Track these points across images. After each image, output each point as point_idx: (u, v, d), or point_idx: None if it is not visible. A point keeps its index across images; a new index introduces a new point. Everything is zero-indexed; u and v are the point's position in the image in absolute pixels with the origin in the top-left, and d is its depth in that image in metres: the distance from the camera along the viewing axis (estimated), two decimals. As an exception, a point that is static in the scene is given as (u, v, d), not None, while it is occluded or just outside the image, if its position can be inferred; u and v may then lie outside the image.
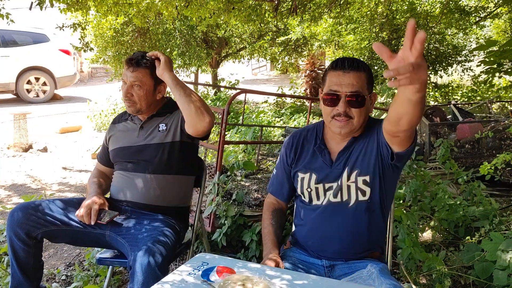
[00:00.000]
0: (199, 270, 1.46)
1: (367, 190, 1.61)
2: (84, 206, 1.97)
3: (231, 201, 2.93)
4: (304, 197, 1.73)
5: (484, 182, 3.55)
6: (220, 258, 1.57)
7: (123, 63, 2.13)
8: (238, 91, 2.97)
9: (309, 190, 1.69)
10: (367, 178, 1.61)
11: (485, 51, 7.20)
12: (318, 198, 1.68)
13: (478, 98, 9.15)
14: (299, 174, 1.72)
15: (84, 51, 6.06)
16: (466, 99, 8.92)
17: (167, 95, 2.27)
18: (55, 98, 11.31)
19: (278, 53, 11.43)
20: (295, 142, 1.76)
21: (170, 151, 2.08)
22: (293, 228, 1.89)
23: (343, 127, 1.57)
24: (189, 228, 2.29)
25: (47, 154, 6.42)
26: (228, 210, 2.70)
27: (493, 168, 2.75)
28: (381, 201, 1.65)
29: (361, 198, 1.62)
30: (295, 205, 1.85)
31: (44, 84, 10.81)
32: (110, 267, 2.28)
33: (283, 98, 10.06)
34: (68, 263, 3.04)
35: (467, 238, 3.17)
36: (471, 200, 3.59)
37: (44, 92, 10.85)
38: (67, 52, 11.05)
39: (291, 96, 5.61)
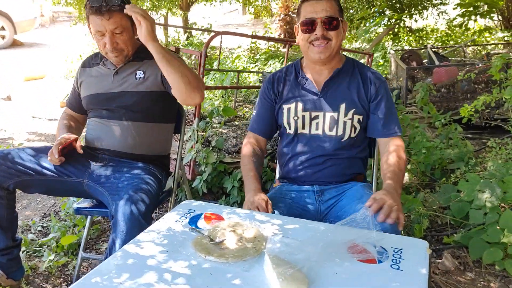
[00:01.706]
0: (186, 218, 1.41)
1: (358, 127, 1.72)
2: (54, 146, 1.86)
3: (211, 148, 2.86)
4: (290, 128, 1.76)
5: (460, 125, 3.59)
6: (207, 205, 1.52)
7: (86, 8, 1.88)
8: (213, 33, 2.81)
9: (295, 118, 1.73)
10: (361, 117, 1.71)
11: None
12: (303, 127, 1.74)
13: (452, 42, 9.15)
14: (283, 107, 1.76)
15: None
16: (440, 44, 8.91)
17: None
18: (15, 44, 10.65)
19: (252, -5, 11.01)
20: (275, 79, 1.82)
21: (149, 100, 1.95)
22: (278, 169, 1.97)
23: (322, 51, 1.64)
24: (170, 175, 2.22)
25: (12, 103, 6.11)
26: (208, 157, 2.64)
27: (473, 110, 2.75)
28: (363, 135, 1.79)
29: (352, 135, 1.72)
30: (279, 145, 1.88)
31: (2, 29, 10.12)
32: (89, 217, 2.21)
33: (257, 43, 9.80)
34: (43, 214, 2.96)
35: (443, 180, 3.25)
36: (446, 143, 3.64)
37: (2, 37, 10.19)
38: (25, -7, 10.30)
39: (270, 39, 5.39)
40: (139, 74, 1.95)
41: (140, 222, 1.63)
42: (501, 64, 2.67)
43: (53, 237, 2.47)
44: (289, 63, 1.92)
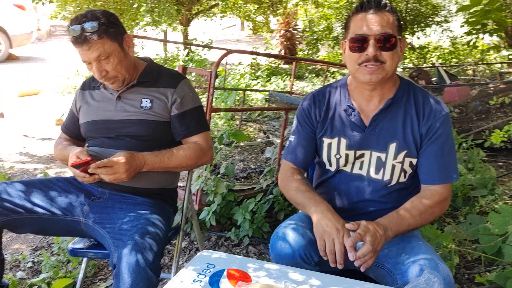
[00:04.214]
0: (205, 276, 1.17)
1: (409, 171, 1.45)
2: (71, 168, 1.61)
3: (219, 175, 2.63)
4: (330, 165, 1.51)
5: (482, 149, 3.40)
6: (228, 258, 1.28)
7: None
8: (225, 51, 2.61)
9: (337, 156, 1.48)
10: (414, 160, 1.43)
11: (468, 12, 6.94)
12: (346, 165, 1.49)
13: (455, 60, 9.04)
14: (324, 140, 1.50)
15: (43, 3, 5.39)
16: (443, 61, 8.79)
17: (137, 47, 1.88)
18: (10, 58, 10.42)
19: (253, 10, 10.85)
20: (317, 102, 1.52)
21: (155, 129, 1.74)
22: None
23: (374, 73, 1.35)
24: (178, 210, 1.99)
25: (4, 121, 5.86)
26: (217, 186, 2.40)
27: (506, 135, 2.55)
28: (417, 180, 1.49)
29: (402, 179, 1.46)
30: (314, 171, 1.65)
31: (-2, 42, 9.91)
32: (85, 258, 1.96)
33: (257, 59, 9.64)
34: (34, 247, 2.69)
35: (466, 208, 3.03)
36: (464, 166, 3.44)
37: (-2, 51, 9.97)
38: (21, 7, 10.11)
39: (283, 57, 5.16)
40: (146, 102, 1.74)
41: (147, 274, 1.39)
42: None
43: (44, 278, 2.21)
44: (302, 84, 1.64)
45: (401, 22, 1.45)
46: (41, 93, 7.48)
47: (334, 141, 1.48)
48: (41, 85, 7.74)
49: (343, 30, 1.48)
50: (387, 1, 1.40)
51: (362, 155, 1.46)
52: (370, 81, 1.37)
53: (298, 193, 1.45)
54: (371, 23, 1.34)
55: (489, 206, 2.93)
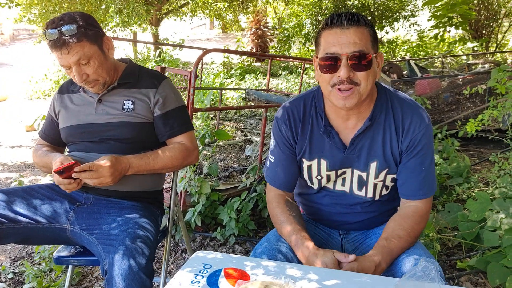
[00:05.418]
0: (202, 276, 1.16)
1: (391, 185, 1.43)
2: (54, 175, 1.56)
3: (202, 175, 2.62)
4: (313, 184, 1.48)
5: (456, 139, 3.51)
6: (224, 257, 1.27)
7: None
8: (201, 51, 2.59)
9: (319, 178, 1.45)
10: (395, 176, 1.40)
11: (434, 5, 7.13)
12: (328, 182, 1.46)
13: (422, 53, 9.26)
14: (304, 161, 1.45)
15: (9, 7, 5.20)
16: (412, 55, 9.00)
17: (118, 50, 1.84)
18: (-27, 64, 10.08)
19: (224, 9, 10.81)
20: (291, 121, 1.43)
21: (139, 131, 1.71)
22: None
23: (348, 98, 1.26)
24: (165, 213, 1.97)
25: (-29, 129, 5.66)
26: (202, 186, 2.39)
27: (480, 124, 2.64)
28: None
29: (384, 193, 1.45)
30: (300, 183, 1.58)
31: (-41, 48, 9.56)
32: (71, 266, 1.92)
33: (229, 58, 9.62)
34: (13, 258, 2.61)
35: (444, 197, 3.12)
36: (440, 156, 3.54)
37: (-41, 57, 9.61)
38: (-17, 11, 9.77)
39: (262, 55, 5.11)
40: (128, 104, 1.71)
41: (141, 279, 1.37)
42: (505, 76, 2.55)
43: (28, 289, 2.15)
44: (306, 90, 1.55)
45: (376, 30, 1.40)
46: (8, 99, 7.25)
47: (314, 163, 1.42)
48: (8, 91, 7.50)
49: (313, 27, 1.43)
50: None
51: (344, 173, 1.42)
52: (344, 107, 1.28)
53: (284, 229, 1.40)
54: (343, 40, 1.22)
55: (466, 193, 3.02)
